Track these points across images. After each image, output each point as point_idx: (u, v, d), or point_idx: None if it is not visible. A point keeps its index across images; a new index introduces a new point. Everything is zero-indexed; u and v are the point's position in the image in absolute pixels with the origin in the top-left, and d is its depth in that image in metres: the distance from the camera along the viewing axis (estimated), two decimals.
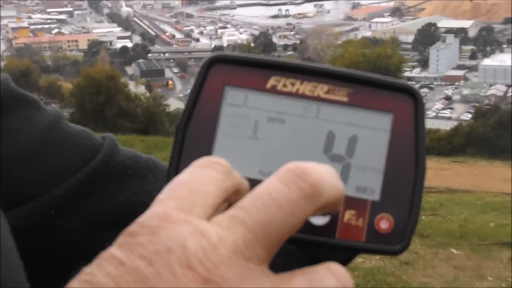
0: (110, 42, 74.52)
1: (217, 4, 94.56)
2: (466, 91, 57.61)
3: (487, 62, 61.69)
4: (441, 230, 6.22)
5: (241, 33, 77.88)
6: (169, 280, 0.30)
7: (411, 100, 0.45)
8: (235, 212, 0.33)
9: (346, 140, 0.45)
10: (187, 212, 0.33)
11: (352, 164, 0.44)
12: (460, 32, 70.26)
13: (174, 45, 78.67)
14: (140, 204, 0.61)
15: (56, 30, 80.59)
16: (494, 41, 67.83)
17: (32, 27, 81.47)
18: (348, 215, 0.44)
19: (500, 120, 28.14)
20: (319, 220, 0.43)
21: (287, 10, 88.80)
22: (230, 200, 0.36)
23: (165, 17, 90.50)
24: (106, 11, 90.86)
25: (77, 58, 65.98)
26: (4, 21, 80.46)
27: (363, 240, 0.43)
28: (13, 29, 78.13)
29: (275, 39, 73.92)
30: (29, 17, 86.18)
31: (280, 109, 0.45)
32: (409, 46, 67.47)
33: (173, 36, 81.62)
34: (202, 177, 0.35)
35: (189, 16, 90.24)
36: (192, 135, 0.45)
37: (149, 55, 70.94)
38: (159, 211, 0.32)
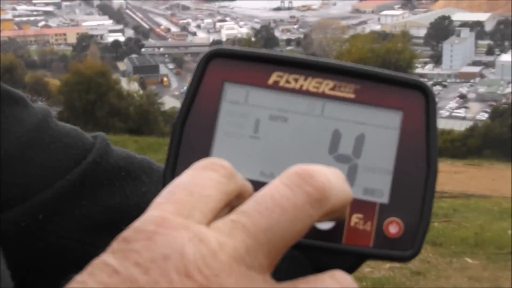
0: (101, 36, 74.63)
1: None
2: (482, 89, 57.66)
3: (505, 57, 61.67)
4: (455, 237, 6.22)
5: (241, 27, 78.00)
6: None
7: (422, 97, 0.45)
8: (237, 217, 0.33)
9: (352, 139, 0.45)
10: (186, 217, 0.33)
11: (359, 164, 0.45)
12: (476, 26, 70.33)
13: (170, 39, 78.77)
14: (134, 207, 0.61)
15: (42, 23, 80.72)
16: None
17: (16, 19, 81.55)
18: (355, 219, 0.44)
19: None
20: (325, 225, 0.43)
21: (290, 2, 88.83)
22: (232, 204, 0.36)
23: (159, 9, 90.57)
24: (96, 2, 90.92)
25: (65, 53, 66.09)
26: None
27: (371, 245, 0.43)
28: None
29: (277, 33, 74.04)
30: (14, 9, 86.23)
31: (283, 107, 0.45)
32: (421, 41, 67.51)
33: (169, 30, 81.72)
34: (203, 180, 0.35)
35: (185, 8, 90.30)
36: (190, 135, 0.45)
37: (143, 50, 71.01)
38: (156, 216, 0.32)
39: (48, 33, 77.33)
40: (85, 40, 68.07)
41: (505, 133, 26.64)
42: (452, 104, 56.37)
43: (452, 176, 11.45)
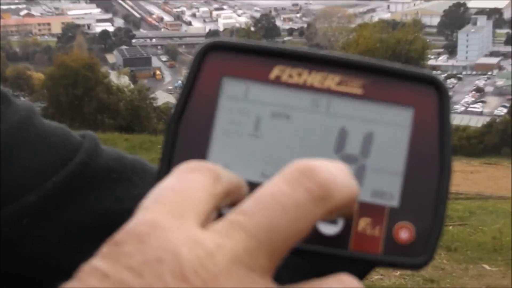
0: (88, 26, 74.68)
1: None
2: (500, 82, 57.71)
3: None
4: (471, 242, 6.23)
5: (239, 16, 78.02)
6: None
7: (435, 93, 0.45)
8: (235, 217, 0.33)
9: (360, 138, 0.45)
10: (178, 218, 0.33)
11: (367, 165, 0.45)
12: (493, 13, 70.35)
13: (162, 29, 78.80)
14: (126, 211, 0.61)
15: (25, 12, 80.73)
16: None
17: None
18: (363, 224, 0.44)
19: None
20: (330, 229, 0.43)
21: None
22: (221, 206, 0.37)
23: None
24: None
25: (50, 44, 66.13)
26: None
27: (380, 252, 0.43)
28: None
29: (278, 22, 74.09)
30: None
31: (285, 103, 0.45)
32: (434, 30, 67.56)
33: (161, 19, 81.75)
34: (189, 182, 0.35)
35: None
36: (185, 133, 0.45)
37: (134, 40, 71.07)
38: (148, 217, 0.33)
39: (31, 22, 77.34)
40: (71, 30, 68.06)
41: None
42: (468, 98, 56.41)
43: (468, 176, 11.46)
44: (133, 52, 64.89)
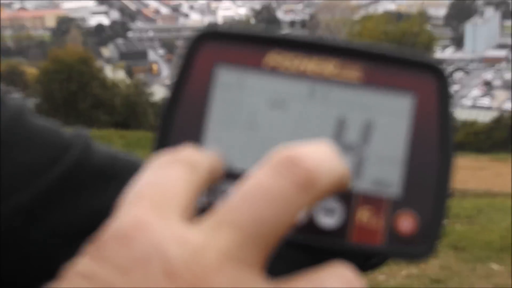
0: (83, 19, 74.56)
1: None
2: (509, 75, 57.63)
3: None
4: (479, 241, 6.23)
5: (239, 7, 77.93)
6: None
7: (436, 78, 0.45)
8: (221, 212, 0.33)
9: (359, 126, 0.45)
10: (163, 215, 0.33)
11: (366, 154, 0.45)
12: (501, 4, 70.24)
13: (159, 22, 78.70)
14: None
15: (17, 5, 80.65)
16: None
17: None
18: (363, 214, 0.43)
19: None
20: (328, 220, 0.43)
21: None
22: (202, 193, 0.37)
23: None
24: None
25: (44, 38, 66.16)
26: None
27: (380, 243, 0.43)
28: None
29: (280, 14, 74.00)
30: None
31: (281, 91, 0.45)
32: (441, 22, 67.46)
33: (158, 11, 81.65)
34: (166, 178, 0.35)
35: None
36: (178, 126, 0.45)
37: (129, 34, 70.98)
38: (131, 215, 0.33)
39: (24, 16, 77.25)
40: (66, 24, 68.03)
41: None
42: (476, 92, 56.37)
43: (476, 173, 11.46)
44: (129, 46, 64.89)
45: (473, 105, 53.44)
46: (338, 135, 0.45)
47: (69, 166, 0.61)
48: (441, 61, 0.45)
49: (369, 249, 0.43)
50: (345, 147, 0.45)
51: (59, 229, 0.60)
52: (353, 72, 0.45)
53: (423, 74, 0.45)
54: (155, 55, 67.89)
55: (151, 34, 74.31)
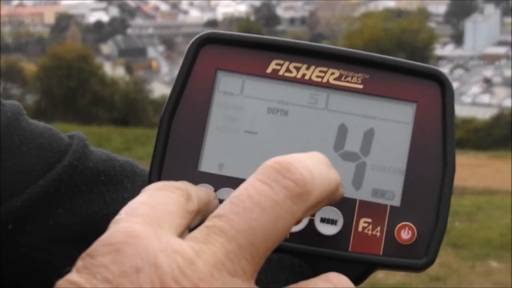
0: (82, 15, 74.46)
1: None
2: (509, 72, 57.59)
3: None
4: (478, 239, 6.23)
5: (238, 3, 77.82)
6: None
7: (438, 88, 0.44)
8: (212, 222, 0.33)
9: (360, 135, 0.44)
10: (154, 227, 0.33)
11: (367, 163, 0.44)
12: (501, 1, 70.16)
13: (159, 19, 78.59)
14: (115, 215, 0.61)
15: (16, 1, 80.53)
16: None
17: None
18: (363, 224, 0.43)
19: None
20: (330, 229, 0.43)
21: None
22: (191, 226, 0.37)
23: None
24: None
25: (42, 35, 66.03)
26: None
27: (381, 253, 0.43)
28: None
29: (279, 11, 73.89)
30: None
31: (283, 98, 0.44)
32: (440, 19, 67.36)
33: (157, 8, 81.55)
34: (162, 198, 0.36)
35: None
36: (178, 131, 0.45)
37: (129, 30, 70.87)
38: (123, 226, 0.33)
39: (23, 12, 77.14)
40: (65, 20, 67.93)
41: None
42: (476, 89, 56.32)
43: (475, 170, 11.44)
44: (128, 42, 64.80)
45: (473, 102, 53.39)
46: (340, 144, 0.44)
47: (65, 170, 0.60)
48: (444, 73, 0.45)
49: (369, 258, 0.43)
50: (347, 156, 0.44)
51: (55, 233, 0.60)
52: (356, 80, 0.44)
53: (425, 83, 0.44)
54: (155, 52, 67.81)
55: (150, 31, 74.24)
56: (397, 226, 0.43)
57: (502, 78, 58.08)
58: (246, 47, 0.45)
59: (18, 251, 0.59)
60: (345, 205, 0.44)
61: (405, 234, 0.43)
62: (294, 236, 0.44)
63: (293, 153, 0.41)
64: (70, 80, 21.97)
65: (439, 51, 56.55)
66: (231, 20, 62.01)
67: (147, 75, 49.55)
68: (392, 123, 0.44)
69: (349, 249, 0.43)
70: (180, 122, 0.45)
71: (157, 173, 0.45)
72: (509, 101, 49.30)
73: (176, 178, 0.44)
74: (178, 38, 69.91)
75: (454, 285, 5.20)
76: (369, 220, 0.43)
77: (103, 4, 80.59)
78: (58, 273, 0.31)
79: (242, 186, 0.34)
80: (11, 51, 59.16)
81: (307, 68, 0.44)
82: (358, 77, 0.44)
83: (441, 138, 0.44)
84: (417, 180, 0.43)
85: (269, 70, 0.45)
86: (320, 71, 0.44)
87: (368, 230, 0.43)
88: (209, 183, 0.45)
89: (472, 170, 11.22)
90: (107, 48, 64.80)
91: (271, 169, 0.34)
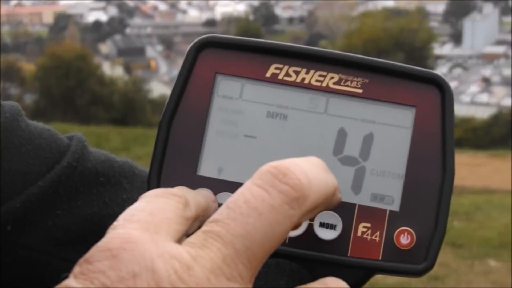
0: (81, 15, 74.41)
1: None
2: (507, 71, 57.59)
3: None
4: (477, 238, 6.23)
5: (237, 3, 77.79)
6: None
7: (438, 92, 0.44)
8: (209, 227, 0.33)
9: (360, 139, 0.44)
10: (151, 233, 0.33)
11: (367, 168, 0.44)
12: (500, 0, 70.15)
13: (157, 18, 78.56)
14: (113, 216, 0.61)
15: (15, 1, 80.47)
16: None
17: None
18: (363, 228, 0.43)
19: None
20: (329, 234, 0.43)
21: None
22: (188, 233, 0.37)
23: None
24: None
25: (41, 35, 65.99)
26: None
27: (380, 258, 0.43)
28: None
29: (278, 11, 73.86)
30: None
31: (282, 103, 0.44)
32: (439, 18, 67.36)
33: (156, 8, 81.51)
34: (160, 205, 0.36)
35: None
36: (177, 134, 0.45)
37: (127, 30, 70.84)
38: (121, 232, 0.33)
39: (22, 12, 77.06)
40: (63, 20, 67.91)
41: None
42: (474, 88, 56.31)
43: (473, 169, 11.44)
44: (127, 42, 64.79)
45: (471, 101, 53.40)
46: (339, 148, 0.44)
47: (64, 171, 0.60)
48: (443, 77, 0.45)
49: (368, 263, 0.43)
50: (346, 161, 0.44)
51: (54, 234, 0.59)
52: (355, 85, 0.44)
53: (425, 87, 0.44)
54: (153, 51, 67.78)
55: (149, 30, 74.18)
56: (396, 231, 0.43)
57: (501, 77, 58.07)
58: (246, 51, 0.45)
59: (17, 253, 0.59)
60: (344, 209, 0.44)
61: (404, 239, 0.43)
62: (293, 241, 0.44)
63: (293, 157, 0.41)
64: (69, 79, 21.95)
65: (437, 50, 56.56)
66: (229, 20, 62.00)
67: (145, 74, 49.56)
68: (391, 128, 0.44)
69: (348, 254, 0.43)
70: (179, 126, 0.45)
71: (156, 178, 0.45)
72: (508, 100, 49.30)
73: (175, 183, 0.44)
74: (176, 38, 69.89)
75: (453, 284, 5.20)
76: (368, 224, 0.43)
77: (101, 4, 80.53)
78: (57, 274, 0.30)
79: (239, 191, 0.34)
80: (10, 50, 59.13)
81: (307, 72, 0.44)
82: (357, 82, 0.44)
83: (441, 143, 0.44)
84: (417, 185, 0.43)
85: (268, 74, 0.45)
86: (320, 75, 0.44)
87: (367, 235, 0.43)
88: (208, 187, 0.45)
89: (470, 169, 11.22)
90: (105, 47, 64.75)
91: (268, 173, 0.34)
